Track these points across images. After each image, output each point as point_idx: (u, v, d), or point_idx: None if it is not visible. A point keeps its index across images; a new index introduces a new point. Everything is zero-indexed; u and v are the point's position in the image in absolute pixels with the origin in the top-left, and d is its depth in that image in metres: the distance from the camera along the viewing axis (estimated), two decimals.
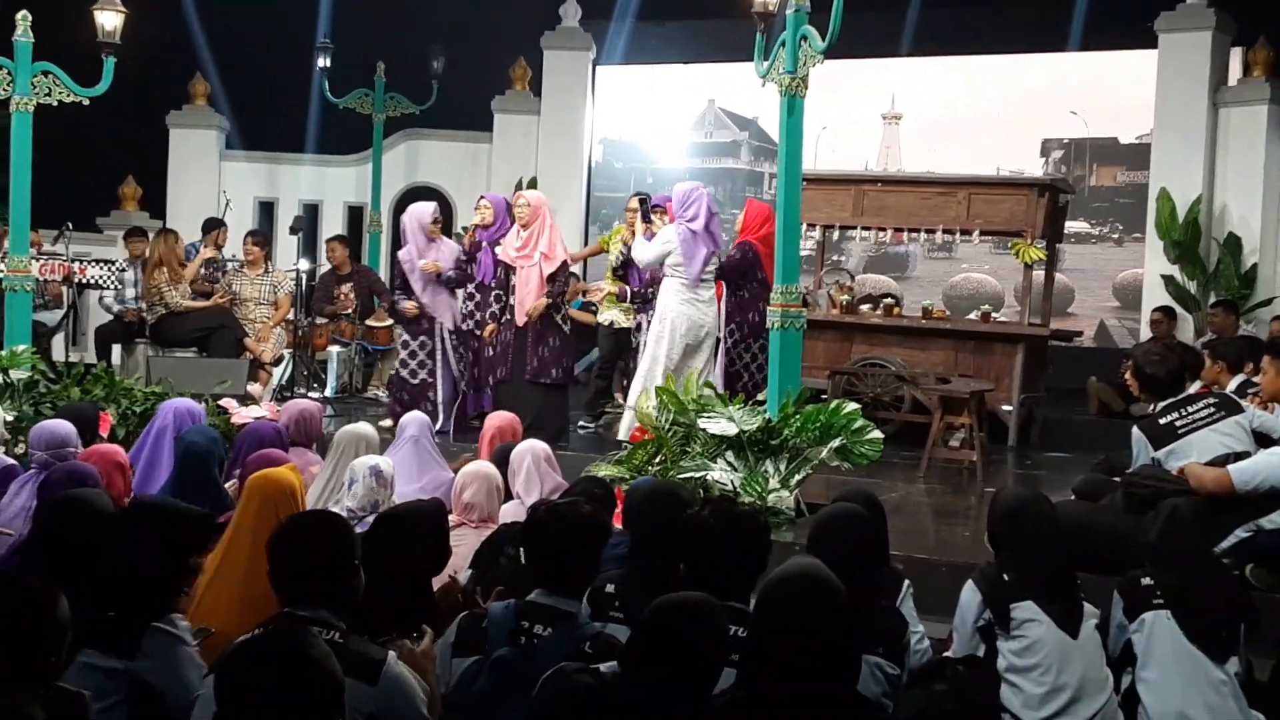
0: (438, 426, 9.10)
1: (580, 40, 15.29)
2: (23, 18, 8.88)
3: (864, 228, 10.85)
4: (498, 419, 7.11)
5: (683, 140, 15.88)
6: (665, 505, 4.54)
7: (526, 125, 15.32)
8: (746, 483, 6.54)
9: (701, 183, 9.96)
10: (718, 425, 6.80)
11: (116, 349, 11.25)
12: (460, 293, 9.75)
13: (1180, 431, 5.81)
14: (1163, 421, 5.88)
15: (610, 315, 10.29)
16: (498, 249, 9.31)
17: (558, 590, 3.86)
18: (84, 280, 10.92)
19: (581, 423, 10.15)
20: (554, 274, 9.12)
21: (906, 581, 4.63)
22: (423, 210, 9.75)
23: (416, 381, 9.60)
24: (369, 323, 12.00)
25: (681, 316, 8.82)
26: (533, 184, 14.13)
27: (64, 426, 5.96)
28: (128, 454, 6.27)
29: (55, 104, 9.04)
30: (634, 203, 9.77)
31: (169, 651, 3.59)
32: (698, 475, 6.62)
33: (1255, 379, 7.12)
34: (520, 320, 9.12)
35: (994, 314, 10.94)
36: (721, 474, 6.64)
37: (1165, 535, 4.63)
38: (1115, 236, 14.04)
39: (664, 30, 15.49)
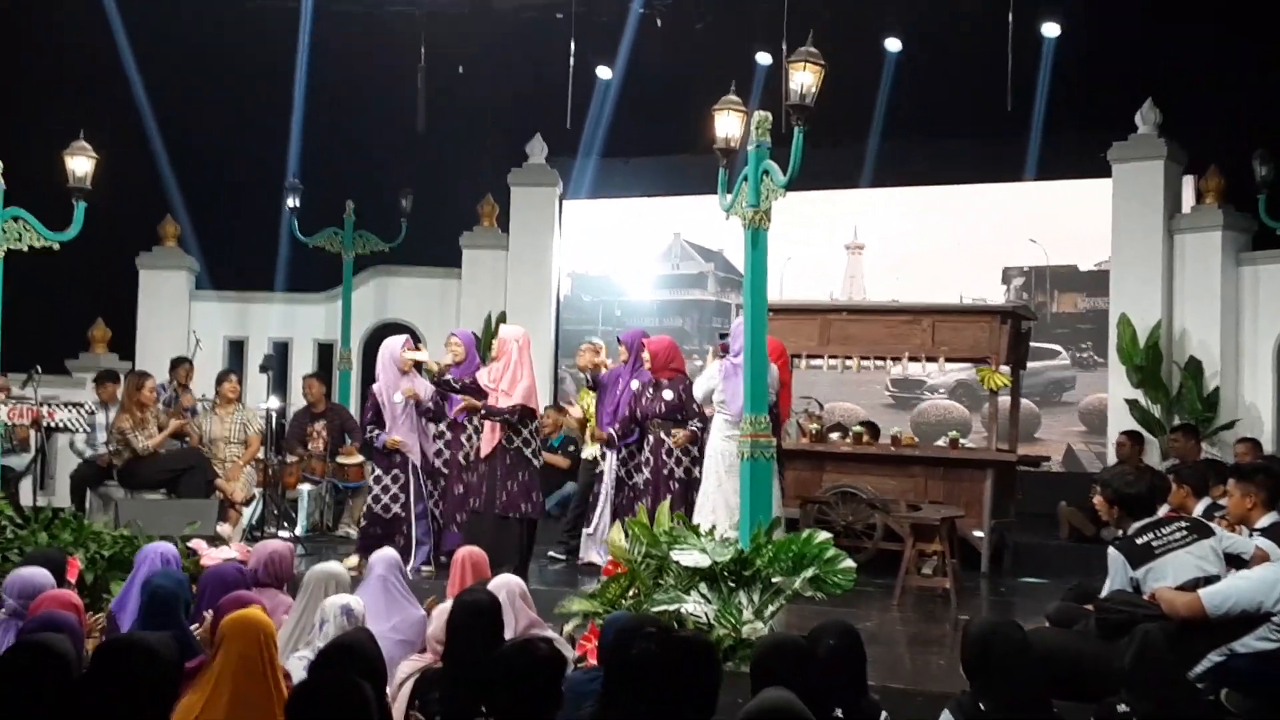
0: (411, 563, 9.06)
1: (546, 176, 15.53)
2: None
3: (830, 356, 10.97)
4: (466, 555, 7.08)
5: (650, 272, 16.06)
6: (633, 643, 4.55)
7: (495, 260, 15.48)
8: (721, 615, 6.52)
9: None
10: (690, 557, 6.79)
11: (89, 493, 11.17)
12: (431, 429, 9.78)
13: (1157, 552, 5.86)
14: (1139, 542, 5.92)
15: (594, 451, 10.34)
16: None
17: None
18: (52, 424, 10.88)
19: (551, 553, 10.16)
20: (520, 411, 9.16)
21: (885, 713, 4.61)
22: (395, 343, 9.82)
23: (389, 516, 9.54)
24: (340, 459, 11.98)
25: (726, 453, 8.52)
26: (502, 318, 14.24)
27: (41, 575, 5.90)
28: (111, 603, 6.23)
29: (25, 249, 9.10)
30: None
31: None
32: (672, 608, 6.59)
33: (1221, 501, 7.19)
34: (484, 450, 9.16)
35: (962, 440, 11.03)
36: (695, 606, 6.62)
37: (1139, 661, 4.65)
38: (1082, 359, 14.20)
39: (629, 166, 15.76)
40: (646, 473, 9.50)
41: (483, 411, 9.25)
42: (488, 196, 15.55)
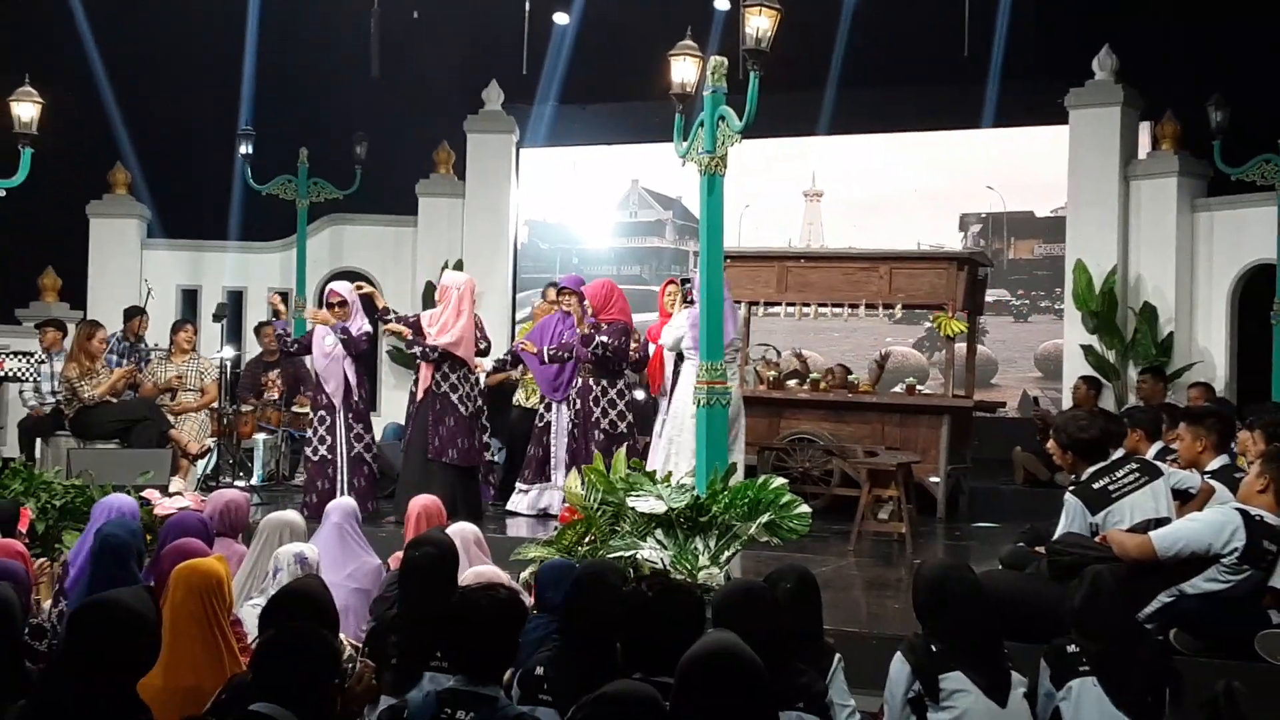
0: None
1: (503, 123, 15.40)
2: None
3: (788, 304, 10.96)
4: (421, 501, 7.06)
5: (607, 220, 15.99)
6: (596, 586, 4.55)
7: (451, 208, 15.37)
8: (676, 560, 6.52)
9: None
10: (646, 503, 6.78)
11: (40, 442, 11.06)
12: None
13: (1114, 496, 5.91)
14: (1095, 486, 5.97)
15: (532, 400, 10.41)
16: None
17: (477, 676, 3.83)
18: (3, 374, 10.74)
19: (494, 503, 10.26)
20: (441, 351, 9.27)
21: (838, 655, 4.64)
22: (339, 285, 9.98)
23: (317, 458, 9.57)
24: (295, 409, 11.91)
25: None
26: (458, 266, 14.14)
27: None
28: (66, 553, 6.17)
29: None
30: (551, 293, 10.29)
31: None
32: (627, 554, 6.59)
33: (1174, 446, 7.25)
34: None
35: (919, 387, 11.06)
36: (651, 552, 6.61)
37: (1089, 602, 4.68)
38: (1042, 306, 14.27)
39: (586, 113, 15.65)
40: (569, 414, 9.63)
41: (406, 343, 9.59)
42: (444, 144, 15.42)
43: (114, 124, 15.11)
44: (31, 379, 11.03)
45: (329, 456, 9.54)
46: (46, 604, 5.93)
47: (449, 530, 6.11)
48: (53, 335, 11.51)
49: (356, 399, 9.63)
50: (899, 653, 4.49)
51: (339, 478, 9.51)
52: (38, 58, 10.67)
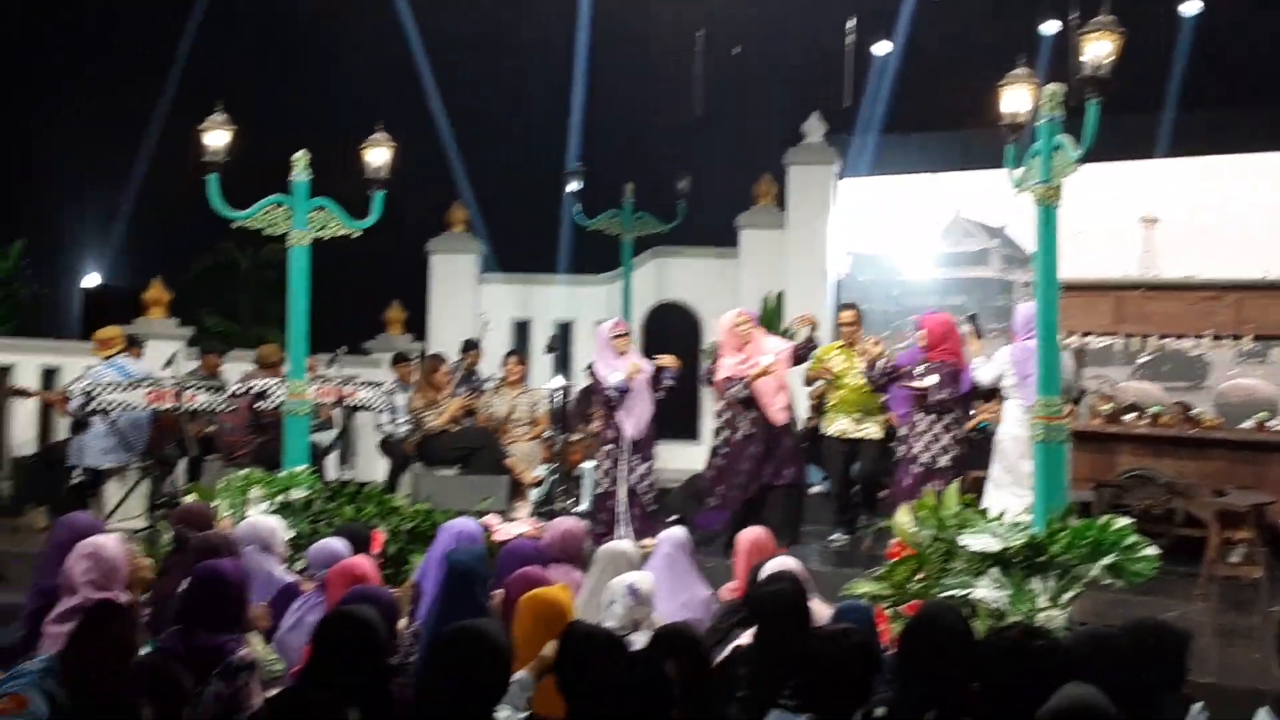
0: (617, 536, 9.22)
1: (824, 155, 15.38)
2: (301, 157, 9.39)
3: (1126, 335, 10.52)
4: (751, 534, 7.08)
5: (930, 250, 15.74)
6: (938, 626, 4.47)
7: (772, 240, 15.43)
8: (1014, 601, 6.34)
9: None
10: (980, 541, 6.61)
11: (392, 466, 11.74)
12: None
13: None
14: None
15: (841, 425, 10.23)
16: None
17: (830, 716, 3.80)
18: (354, 403, 11.40)
19: (833, 536, 10.12)
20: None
21: (1199, 704, 4.39)
22: (602, 327, 10.15)
23: (601, 490, 9.74)
24: None
25: (1020, 440, 8.42)
26: (779, 299, 14.20)
27: (339, 545, 6.20)
28: (413, 576, 6.49)
29: (328, 237, 9.52)
30: (846, 315, 10.32)
31: None
32: (961, 593, 6.44)
33: None
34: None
35: (1269, 422, 10.41)
36: (986, 592, 6.45)
37: None
38: None
39: (908, 141, 15.48)
40: (901, 450, 9.43)
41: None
42: (765, 176, 15.52)
43: (453, 165, 15.89)
44: (386, 409, 11.65)
45: (609, 488, 9.74)
46: (400, 623, 6.25)
47: (772, 564, 6.10)
48: (404, 369, 12.19)
49: (642, 432, 9.80)
50: (1266, 709, 4.21)
51: (618, 509, 9.68)
52: (387, 106, 11.30)
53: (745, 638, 5.69)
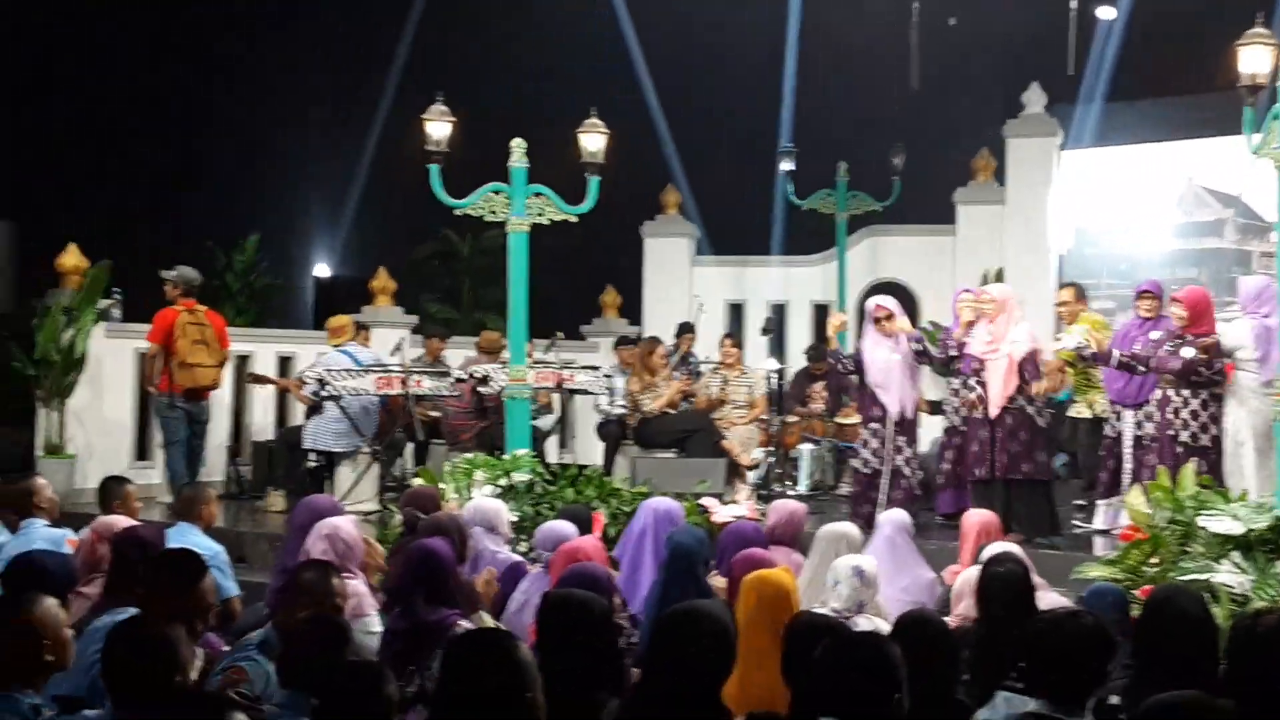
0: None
1: (1045, 126, 14.92)
2: (518, 145, 9.56)
3: None
4: (980, 516, 6.95)
5: (1159, 222, 15.12)
6: (1175, 611, 4.31)
7: (990, 216, 15.06)
8: (1259, 587, 6.06)
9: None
10: (1221, 524, 6.35)
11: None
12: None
13: None
14: None
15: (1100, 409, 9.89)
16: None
17: (1062, 703, 3.70)
18: (573, 387, 11.58)
19: (1075, 521, 9.82)
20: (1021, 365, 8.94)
21: None
22: (867, 305, 9.99)
23: (868, 471, 9.53)
24: (839, 420, 12.08)
25: (1257, 414, 8.14)
26: (999, 276, 13.85)
27: (567, 527, 6.31)
28: (610, 553, 6.57)
29: (546, 223, 9.68)
30: (1063, 294, 10.26)
31: None
32: (1201, 577, 6.19)
33: None
34: (993, 412, 8.93)
35: None
36: (1229, 576, 6.18)
37: None
38: None
39: (1134, 109, 14.89)
40: (1150, 428, 8.99)
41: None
42: (983, 151, 15.14)
43: (665, 148, 15.96)
44: (604, 392, 11.79)
45: (877, 468, 9.54)
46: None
47: (993, 548, 5.97)
48: (624, 353, 12.34)
49: (907, 411, 9.58)
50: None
51: (881, 490, 9.50)
52: (600, 91, 11.41)
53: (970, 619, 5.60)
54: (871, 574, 5.54)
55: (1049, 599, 5.47)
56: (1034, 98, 14.92)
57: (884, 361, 9.50)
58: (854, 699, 3.38)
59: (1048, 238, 15.00)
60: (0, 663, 3.79)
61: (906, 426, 9.56)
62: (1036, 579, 5.74)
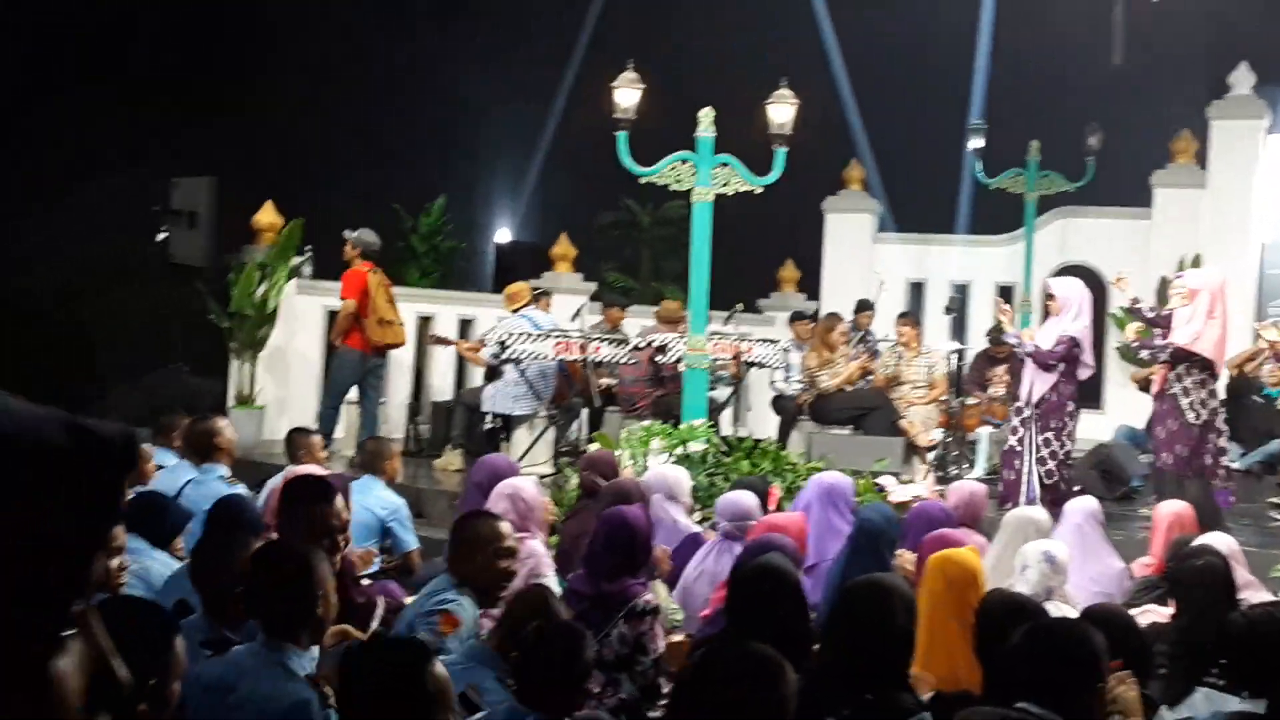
0: (1022, 499, 8.72)
1: (1253, 108, 14.29)
2: (706, 114, 9.48)
3: None
4: (1172, 508, 6.70)
5: None
6: None
7: (1190, 200, 14.49)
8: None
9: None
10: None
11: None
12: None
13: None
14: None
15: None
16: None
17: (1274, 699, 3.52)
18: (750, 359, 11.49)
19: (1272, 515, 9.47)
20: (1173, 351, 8.57)
21: None
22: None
23: (1005, 448, 9.29)
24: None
25: None
26: (1195, 262, 13.34)
27: (748, 499, 6.27)
28: None
29: (730, 193, 9.60)
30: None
31: None
32: None
33: None
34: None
35: None
36: None
37: None
38: None
39: None
40: None
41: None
42: (1184, 132, 14.58)
43: (850, 122, 15.75)
44: (780, 367, 11.69)
45: (1018, 449, 9.31)
46: None
47: (1202, 539, 5.76)
48: (800, 328, 12.21)
49: (1048, 399, 9.27)
50: None
51: (1024, 475, 9.26)
52: (788, 62, 11.28)
53: (1160, 614, 5.41)
54: (1062, 560, 5.38)
55: (1258, 597, 5.23)
56: (1242, 78, 14.30)
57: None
58: (1055, 686, 3.26)
59: (1250, 225, 14.39)
60: (275, 612, 3.57)
61: (1046, 413, 9.24)
62: (1246, 575, 5.52)
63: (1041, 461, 9.10)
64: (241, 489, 6.61)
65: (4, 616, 1.63)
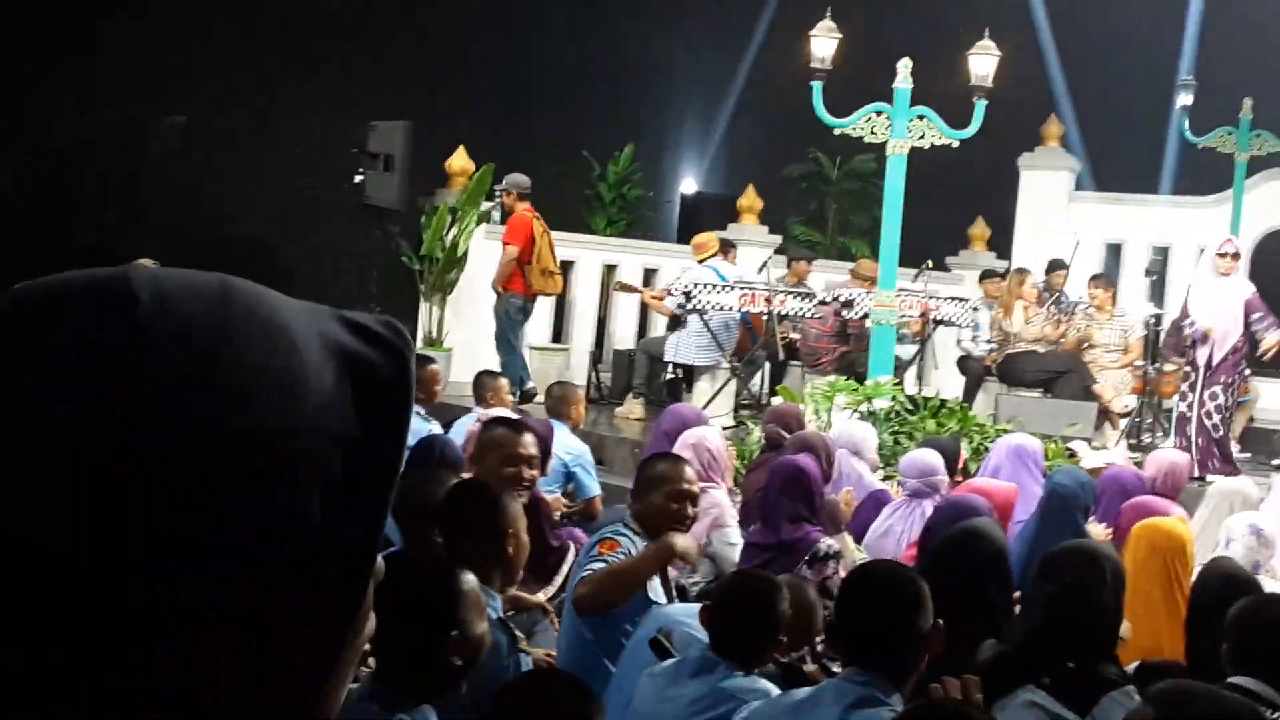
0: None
1: None
2: (904, 65, 9.29)
3: None
4: None
5: None
6: None
7: None
8: None
9: None
10: None
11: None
12: None
13: None
14: None
15: None
16: None
17: None
18: (938, 317, 11.26)
19: None
20: None
21: None
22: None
23: (1177, 415, 9.01)
24: None
25: None
26: None
27: (933, 457, 6.15)
28: None
29: (926, 147, 9.39)
30: None
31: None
32: None
33: None
34: None
35: None
36: None
37: None
38: None
39: None
40: None
41: None
42: None
43: (1051, 76, 15.26)
44: (968, 326, 11.44)
45: (1187, 414, 9.00)
46: None
47: None
48: (992, 285, 11.92)
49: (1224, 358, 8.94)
50: None
51: (1191, 436, 8.98)
52: (989, 12, 10.97)
53: None
54: (1270, 534, 5.18)
55: None
56: None
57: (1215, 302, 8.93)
58: (1272, 662, 3.12)
59: None
60: (467, 550, 3.49)
61: (1217, 374, 8.91)
62: None
63: (1208, 415, 8.86)
64: (435, 426, 6.74)
65: None
